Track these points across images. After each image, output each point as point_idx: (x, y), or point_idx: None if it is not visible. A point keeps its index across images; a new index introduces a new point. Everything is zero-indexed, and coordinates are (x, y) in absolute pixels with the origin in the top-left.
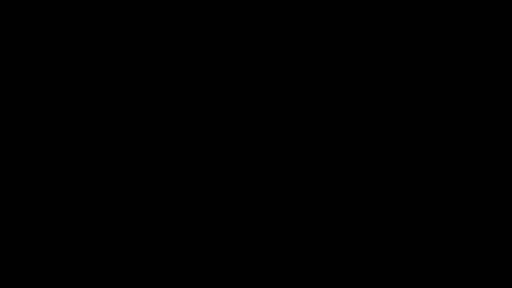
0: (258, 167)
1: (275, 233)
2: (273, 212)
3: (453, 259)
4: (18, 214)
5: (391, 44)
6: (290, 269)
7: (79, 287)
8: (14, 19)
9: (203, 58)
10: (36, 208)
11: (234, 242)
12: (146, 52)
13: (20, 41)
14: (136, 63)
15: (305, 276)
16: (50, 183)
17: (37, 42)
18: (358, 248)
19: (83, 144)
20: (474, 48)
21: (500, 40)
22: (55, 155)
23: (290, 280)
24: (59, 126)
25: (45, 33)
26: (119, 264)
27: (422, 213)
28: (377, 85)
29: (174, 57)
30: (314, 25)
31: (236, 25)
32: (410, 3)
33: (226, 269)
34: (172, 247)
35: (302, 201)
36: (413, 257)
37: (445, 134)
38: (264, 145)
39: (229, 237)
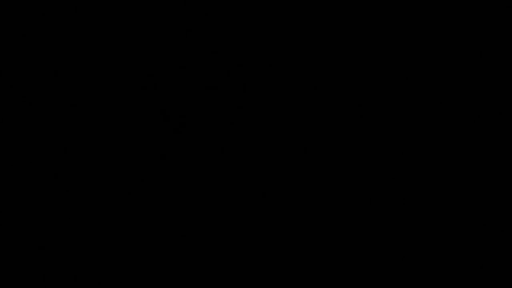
0: (258, 167)
1: (275, 233)
2: (273, 212)
3: (453, 259)
4: (18, 214)
5: (391, 44)
6: (290, 269)
7: (79, 287)
8: (14, 19)
9: (203, 58)
10: (36, 208)
11: (234, 242)
12: (146, 52)
13: (20, 41)
14: (136, 63)
15: (305, 276)
16: (50, 183)
17: (37, 42)
18: (358, 248)
19: (83, 144)
20: (474, 48)
21: (500, 40)
22: (55, 155)
23: (290, 280)
24: (59, 126)
25: (45, 33)
26: (119, 264)
27: (422, 213)
28: (377, 85)
29: (174, 57)
30: (314, 25)
31: (236, 25)
32: (410, 3)
33: (226, 269)
34: (172, 247)
35: (302, 201)
36: (413, 257)
37: (445, 134)
38: (264, 145)
39: (229, 237)
